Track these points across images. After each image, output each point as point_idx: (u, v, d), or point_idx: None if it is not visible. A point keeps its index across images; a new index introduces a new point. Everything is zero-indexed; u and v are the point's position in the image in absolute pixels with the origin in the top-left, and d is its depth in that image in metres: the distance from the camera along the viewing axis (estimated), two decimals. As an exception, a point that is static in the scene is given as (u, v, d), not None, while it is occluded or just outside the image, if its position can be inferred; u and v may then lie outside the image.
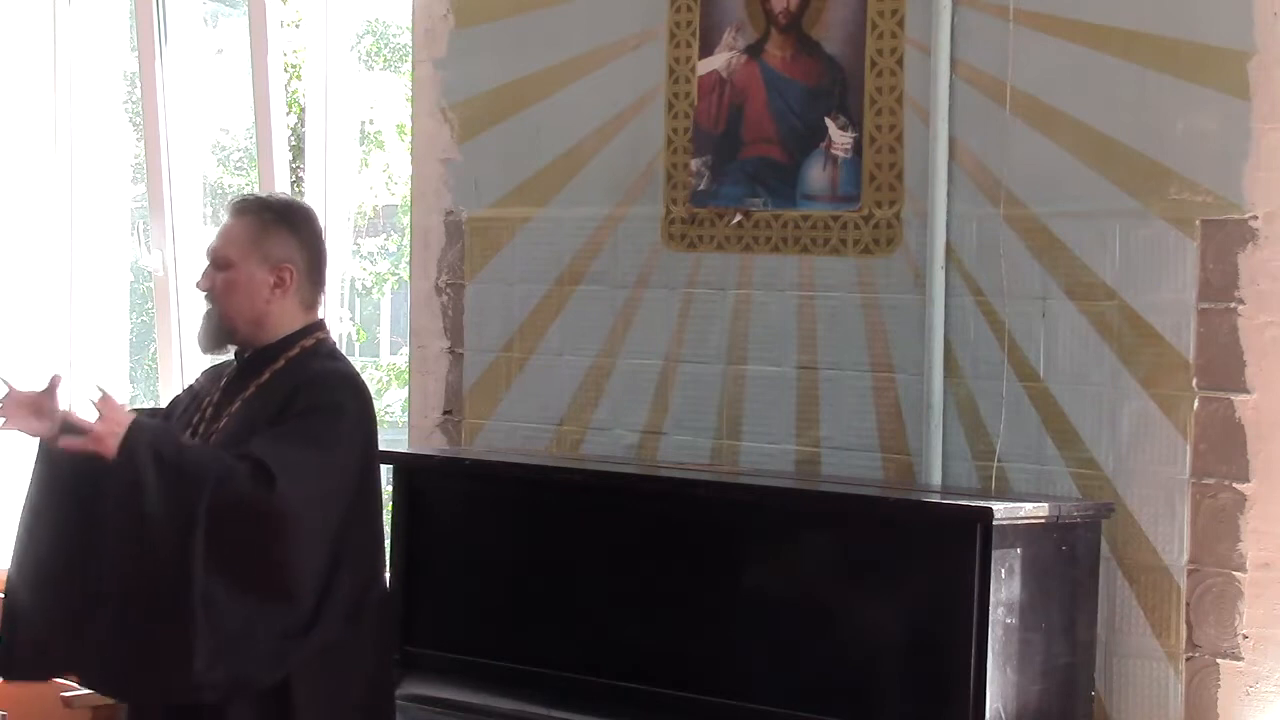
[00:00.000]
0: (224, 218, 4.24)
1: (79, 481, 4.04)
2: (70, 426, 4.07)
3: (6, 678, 4.43)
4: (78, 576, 4.04)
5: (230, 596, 3.89)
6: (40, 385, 4.09)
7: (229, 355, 4.27)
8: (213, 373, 4.35)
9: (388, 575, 4.82)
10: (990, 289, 4.66)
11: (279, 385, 4.10)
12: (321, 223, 4.43)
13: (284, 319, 4.16)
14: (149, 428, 3.97)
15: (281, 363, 4.15)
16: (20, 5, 7.16)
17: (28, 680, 4.52)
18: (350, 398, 4.08)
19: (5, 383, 4.06)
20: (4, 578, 4.21)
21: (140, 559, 3.90)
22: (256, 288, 4.13)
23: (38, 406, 4.07)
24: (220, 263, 4.16)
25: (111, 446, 3.90)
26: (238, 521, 3.90)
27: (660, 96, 5.21)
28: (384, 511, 4.35)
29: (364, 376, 4.26)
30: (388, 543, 4.99)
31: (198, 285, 4.20)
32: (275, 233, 4.15)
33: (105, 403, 3.94)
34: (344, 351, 4.54)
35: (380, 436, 4.23)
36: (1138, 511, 4.42)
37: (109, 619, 3.94)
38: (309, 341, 4.18)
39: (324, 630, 4.00)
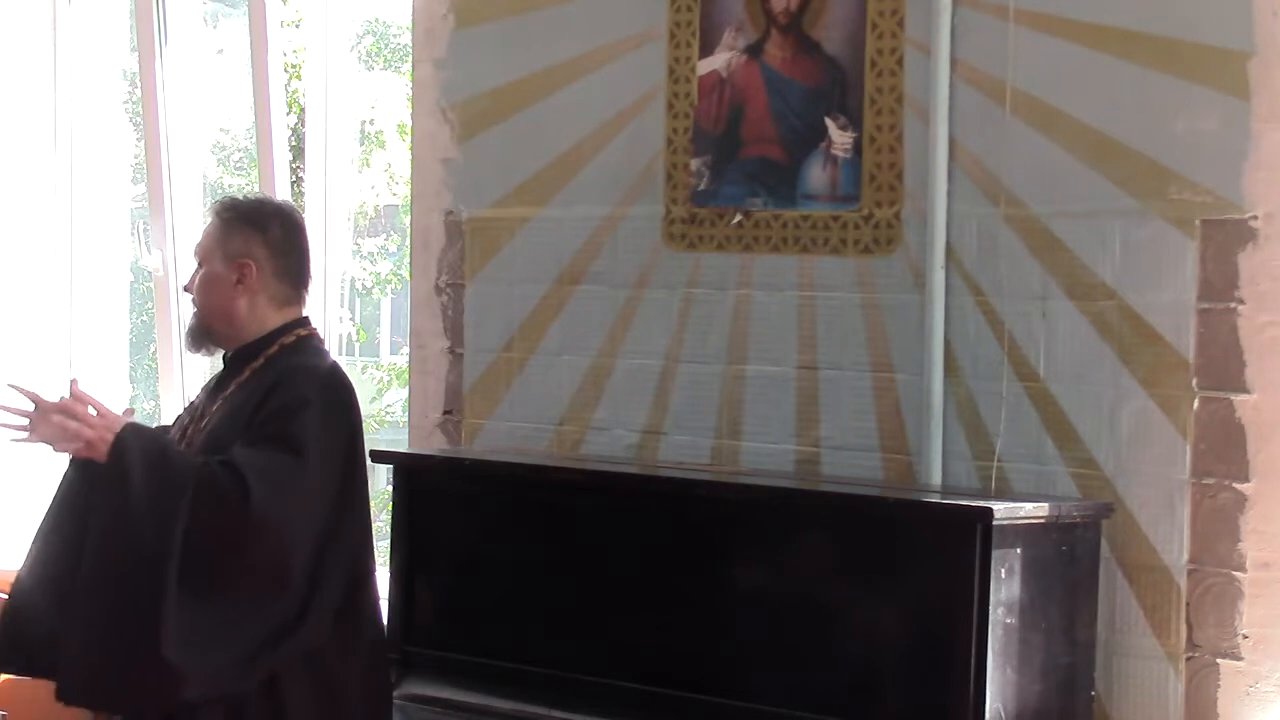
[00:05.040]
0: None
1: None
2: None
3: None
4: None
5: (207, 595, 3.92)
6: (64, 392, 4.13)
7: (217, 355, 4.36)
8: (207, 383, 4.39)
9: (385, 573, 4.84)
10: (990, 289, 4.66)
11: (257, 383, 4.16)
12: (321, 223, 4.45)
13: (256, 316, 4.23)
14: (139, 432, 4.04)
15: (261, 361, 4.21)
16: (20, 5, 7.16)
17: (15, 674, 4.50)
18: (318, 393, 4.10)
19: (32, 395, 4.09)
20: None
21: (120, 554, 3.92)
22: (220, 284, 4.22)
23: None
24: (198, 262, 4.29)
25: (103, 451, 3.95)
26: (217, 523, 3.93)
27: (660, 96, 5.20)
28: (378, 509, 4.34)
29: (364, 377, 4.27)
30: (388, 543, 5.00)
31: (184, 286, 4.35)
32: (237, 231, 4.23)
33: (100, 409, 4.02)
34: (343, 352, 4.56)
35: (380, 436, 4.24)
36: (1138, 511, 4.42)
37: (82, 620, 3.94)
38: (289, 339, 4.22)
39: (311, 631, 4.01)
